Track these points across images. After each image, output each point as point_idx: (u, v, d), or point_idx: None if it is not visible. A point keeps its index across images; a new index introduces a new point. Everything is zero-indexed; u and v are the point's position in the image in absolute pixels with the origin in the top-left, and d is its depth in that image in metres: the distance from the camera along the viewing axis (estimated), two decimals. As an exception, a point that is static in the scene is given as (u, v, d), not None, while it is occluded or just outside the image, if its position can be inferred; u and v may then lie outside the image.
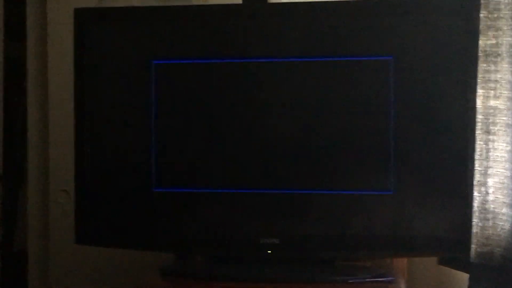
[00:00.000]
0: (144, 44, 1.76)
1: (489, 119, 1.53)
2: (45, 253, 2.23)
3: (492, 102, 1.53)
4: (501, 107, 1.52)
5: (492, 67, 1.53)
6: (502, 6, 1.51)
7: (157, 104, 1.73)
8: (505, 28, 1.51)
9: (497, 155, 1.52)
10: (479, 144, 1.54)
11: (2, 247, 2.26)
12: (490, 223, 1.53)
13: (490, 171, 1.53)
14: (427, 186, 1.66)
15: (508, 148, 1.50)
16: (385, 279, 1.68)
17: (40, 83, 2.22)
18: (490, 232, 1.53)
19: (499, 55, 1.52)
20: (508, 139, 1.51)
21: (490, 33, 1.52)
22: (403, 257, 1.88)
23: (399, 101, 1.65)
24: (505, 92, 1.51)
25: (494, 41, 1.52)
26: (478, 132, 1.55)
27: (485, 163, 1.54)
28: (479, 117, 1.55)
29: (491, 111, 1.53)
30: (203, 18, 1.75)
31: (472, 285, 1.56)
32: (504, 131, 1.51)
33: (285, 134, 1.69)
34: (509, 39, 1.50)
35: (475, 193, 1.55)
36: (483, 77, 1.54)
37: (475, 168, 1.55)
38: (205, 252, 1.80)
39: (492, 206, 1.53)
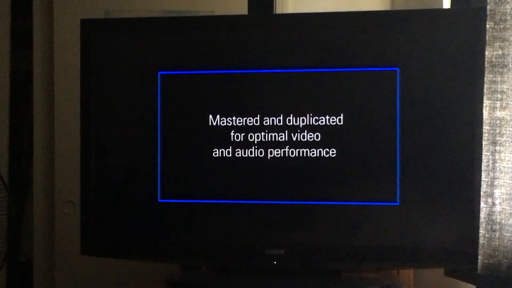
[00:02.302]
0: (150, 55, 1.76)
1: (495, 129, 1.53)
2: (50, 263, 2.23)
3: (498, 113, 1.53)
4: (508, 117, 1.52)
5: (499, 78, 1.53)
6: (509, 17, 1.51)
7: (163, 115, 1.73)
8: (511, 39, 1.51)
9: (504, 166, 1.52)
10: (485, 155, 1.54)
11: (8, 257, 2.25)
12: (497, 234, 1.52)
13: (496, 182, 1.53)
14: (433, 197, 1.65)
15: (515, 159, 1.50)
16: (391, 290, 1.68)
17: (47, 94, 2.22)
18: (497, 243, 1.52)
19: (505, 65, 1.52)
20: (514, 150, 1.51)
21: (497, 44, 1.53)
22: (409, 268, 1.87)
23: (405, 112, 1.65)
24: (512, 102, 1.51)
25: (500, 52, 1.52)
26: (484, 143, 1.55)
27: (491, 174, 1.53)
28: (485, 127, 1.54)
29: (498, 121, 1.53)
30: (209, 29, 1.75)
31: (479, 297, 1.56)
32: (510, 142, 1.51)
33: (291, 144, 1.69)
34: (516, 50, 1.51)
35: (482, 204, 1.54)
36: (490, 88, 1.54)
37: (482, 179, 1.54)
38: (211, 263, 1.79)
39: (499, 217, 1.52)
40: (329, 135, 1.68)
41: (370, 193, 1.67)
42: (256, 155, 1.70)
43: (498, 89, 1.53)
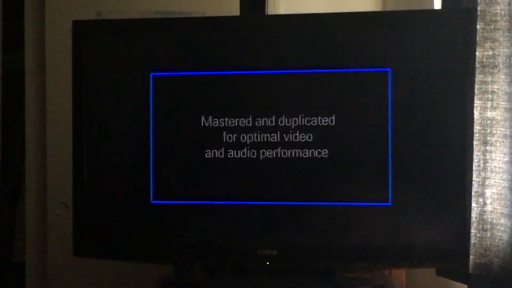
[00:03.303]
0: (142, 56, 1.76)
1: (486, 129, 1.54)
2: (43, 265, 2.22)
3: (489, 113, 1.53)
4: (498, 118, 1.52)
5: (489, 78, 1.54)
6: (499, 18, 1.52)
7: (155, 116, 1.73)
8: (501, 39, 1.52)
9: (494, 166, 1.53)
10: (476, 155, 1.55)
11: (0, 258, 2.25)
12: (488, 234, 1.53)
13: (488, 181, 1.53)
14: (425, 197, 1.66)
15: (506, 159, 1.51)
16: (383, 290, 1.69)
17: (39, 95, 2.22)
18: (488, 243, 1.53)
19: (495, 66, 1.53)
20: (505, 149, 1.51)
21: (487, 45, 1.53)
22: (401, 268, 1.87)
23: (397, 112, 1.66)
24: (502, 103, 1.52)
25: (491, 53, 1.53)
26: (475, 143, 1.55)
27: (483, 173, 1.54)
28: (476, 128, 1.55)
29: (489, 122, 1.53)
30: (201, 30, 1.75)
31: (470, 296, 1.56)
32: (501, 141, 1.52)
33: (284, 145, 1.69)
34: (506, 50, 1.51)
35: (473, 204, 1.55)
36: (480, 88, 1.55)
37: (473, 179, 1.55)
38: (203, 264, 1.79)
39: (490, 216, 1.53)
40: (321, 136, 1.68)
41: (362, 194, 1.68)
42: (248, 156, 1.70)
43: (489, 90, 1.54)
